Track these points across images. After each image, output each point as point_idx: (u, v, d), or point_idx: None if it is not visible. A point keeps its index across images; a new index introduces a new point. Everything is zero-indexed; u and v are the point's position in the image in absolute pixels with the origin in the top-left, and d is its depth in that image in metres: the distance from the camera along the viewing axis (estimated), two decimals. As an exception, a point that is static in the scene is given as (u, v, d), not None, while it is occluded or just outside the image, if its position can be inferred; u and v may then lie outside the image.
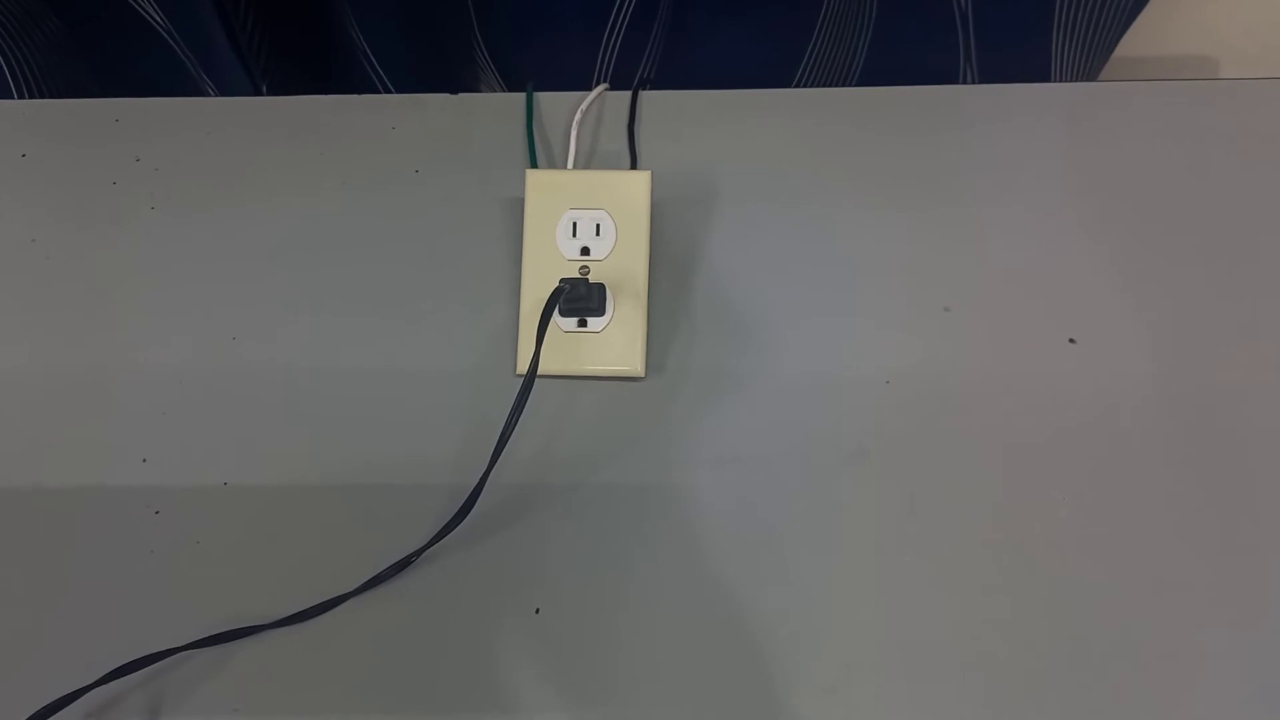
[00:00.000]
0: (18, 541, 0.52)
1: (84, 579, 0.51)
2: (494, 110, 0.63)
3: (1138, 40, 0.68)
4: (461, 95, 0.64)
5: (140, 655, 0.47)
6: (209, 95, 0.70)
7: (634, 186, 0.56)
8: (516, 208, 0.57)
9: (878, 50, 0.70)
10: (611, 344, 0.55)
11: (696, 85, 0.64)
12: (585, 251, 0.56)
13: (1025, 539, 0.51)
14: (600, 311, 0.55)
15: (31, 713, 0.45)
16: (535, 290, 0.55)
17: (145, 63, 0.71)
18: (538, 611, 0.50)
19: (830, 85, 0.73)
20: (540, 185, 0.56)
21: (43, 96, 0.71)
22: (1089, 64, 0.69)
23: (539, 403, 0.52)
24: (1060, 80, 0.70)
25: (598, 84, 0.64)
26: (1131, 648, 0.48)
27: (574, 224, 0.56)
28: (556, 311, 0.54)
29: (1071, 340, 0.55)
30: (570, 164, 0.60)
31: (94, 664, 0.47)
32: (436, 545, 0.50)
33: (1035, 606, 0.50)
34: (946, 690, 0.48)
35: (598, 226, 0.56)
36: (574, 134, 0.61)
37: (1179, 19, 0.71)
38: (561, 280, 0.53)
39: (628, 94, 0.63)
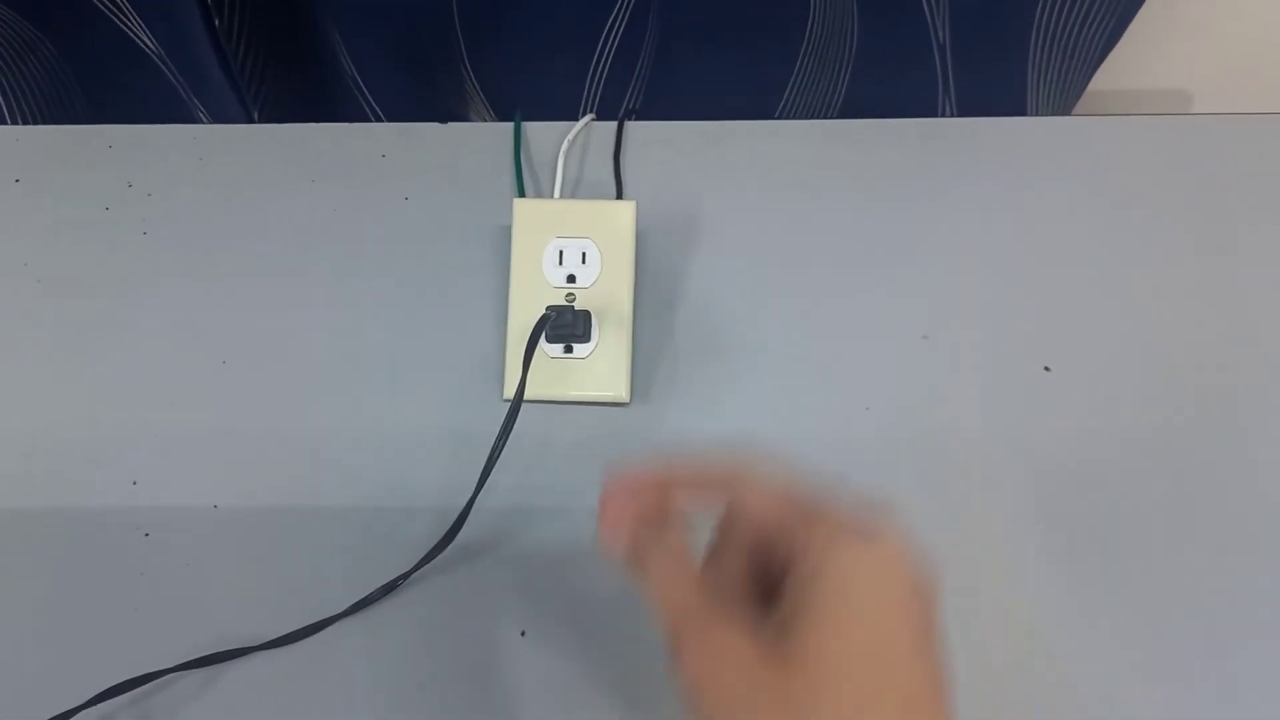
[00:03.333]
0: (8, 564, 0.53)
1: (74, 601, 0.52)
2: (482, 139, 0.64)
3: (1112, 75, 0.70)
4: (451, 124, 0.65)
5: (130, 676, 0.48)
6: (202, 121, 0.71)
7: (619, 215, 0.57)
8: (504, 236, 0.58)
9: (858, 82, 0.71)
10: (597, 370, 0.56)
11: (681, 116, 0.65)
12: (571, 279, 0.57)
13: (1004, 564, 0.52)
14: (586, 338, 0.56)
15: (21, 734, 0.46)
16: (522, 317, 0.56)
17: (139, 89, 0.72)
18: (523, 634, 0.51)
19: (812, 116, 0.74)
20: (527, 214, 0.58)
21: (37, 122, 0.71)
22: (1064, 97, 0.70)
23: (525, 427, 0.53)
24: (1036, 113, 0.71)
25: (584, 114, 0.65)
26: (1112, 673, 0.49)
27: (560, 252, 0.57)
28: (543, 338, 0.55)
29: (1047, 368, 0.57)
30: (557, 193, 0.61)
31: (83, 685, 0.47)
32: (424, 568, 0.51)
33: (1014, 631, 0.50)
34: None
35: (584, 255, 0.57)
36: (561, 163, 0.62)
37: (1153, 55, 0.73)
38: (548, 307, 0.54)
39: (613, 124, 0.65)
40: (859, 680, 0.30)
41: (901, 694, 0.31)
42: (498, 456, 0.50)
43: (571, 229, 0.57)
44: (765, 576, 0.35)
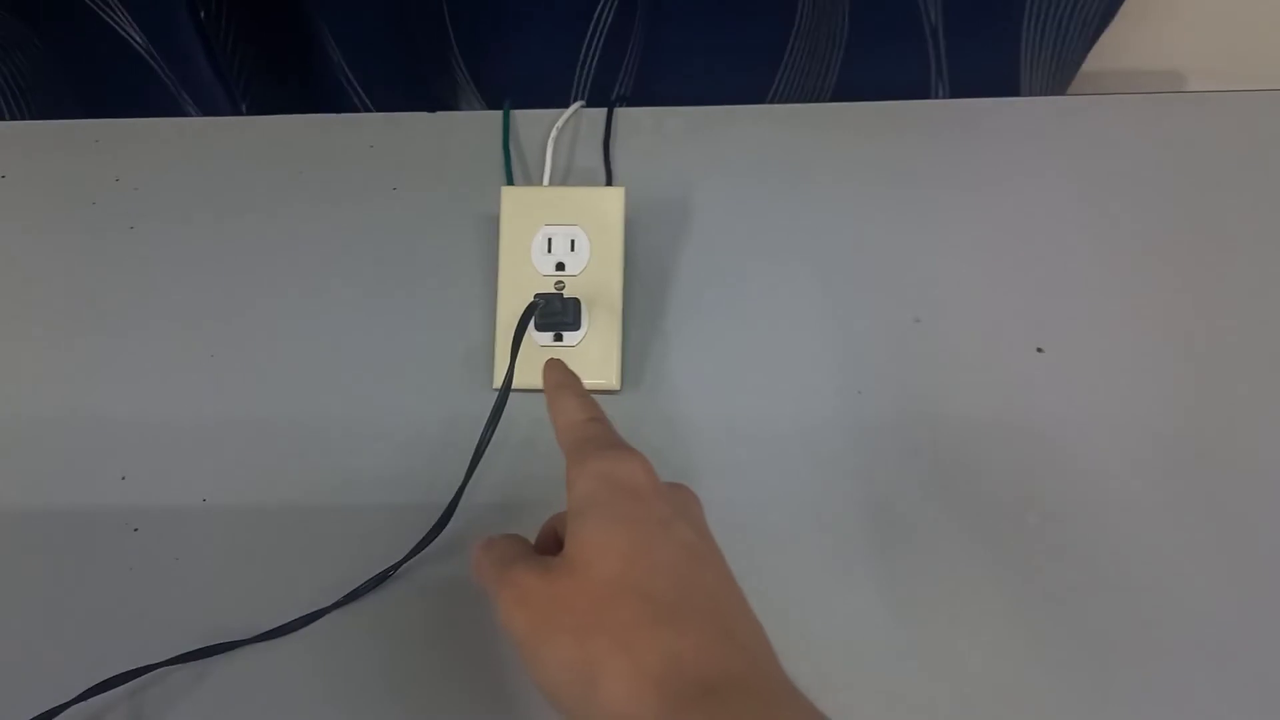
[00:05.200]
0: (-3, 560, 0.53)
1: (63, 596, 0.51)
2: (471, 128, 0.64)
3: (1105, 54, 0.69)
4: (439, 113, 0.65)
5: (119, 671, 0.47)
6: (189, 115, 0.71)
7: (608, 202, 0.57)
8: (492, 224, 0.58)
9: (850, 66, 0.71)
10: (587, 358, 0.55)
11: (671, 102, 0.65)
12: (560, 267, 0.56)
13: (996, 546, 0.52)
14: (575, 326, 0.55)
15: (10, 729, 0.46)
16: (511, 305, 0.55)
17: (126, 83, 0.71)
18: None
19: (804, 100, 0.74)
20: (515, 202, 0.57)
21: (24, 117, 0.71)
22: (1057, 77, 0.70)
23: (515, 416, 0.52)
24: (1029, 94, 0.70)
25: (574, 101, 0.65)
26: (1102, 653, 0.49)
27: (549, 240, 0.56)
28: (532, 326, 0.54)
29: (1039, 350, 0.56)
30: (546, 180, 0.61)
31: (73, 680, 0.47)
32: (414, 559, 0.50)
33: (1006, 612, 0.50)
34: (918, 699, 0.48)
35: (572, 242, 0.56)
36: (550, 151, 0.62)
37: (1146, 33, 0.72)
38: (536, 295, 0.54)
39: (603, 111, 0.64)
40: (602, 562, 0.35)
41: (651, 562, 0.35)
42: (486, 446, 0.50)
43: (560, 216, 0.57)
44: None
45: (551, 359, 0.45)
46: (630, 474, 0.38)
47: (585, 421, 0.41)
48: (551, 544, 0.42)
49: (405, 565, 0.50)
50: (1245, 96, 0.64)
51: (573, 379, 0.44)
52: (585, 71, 0.70)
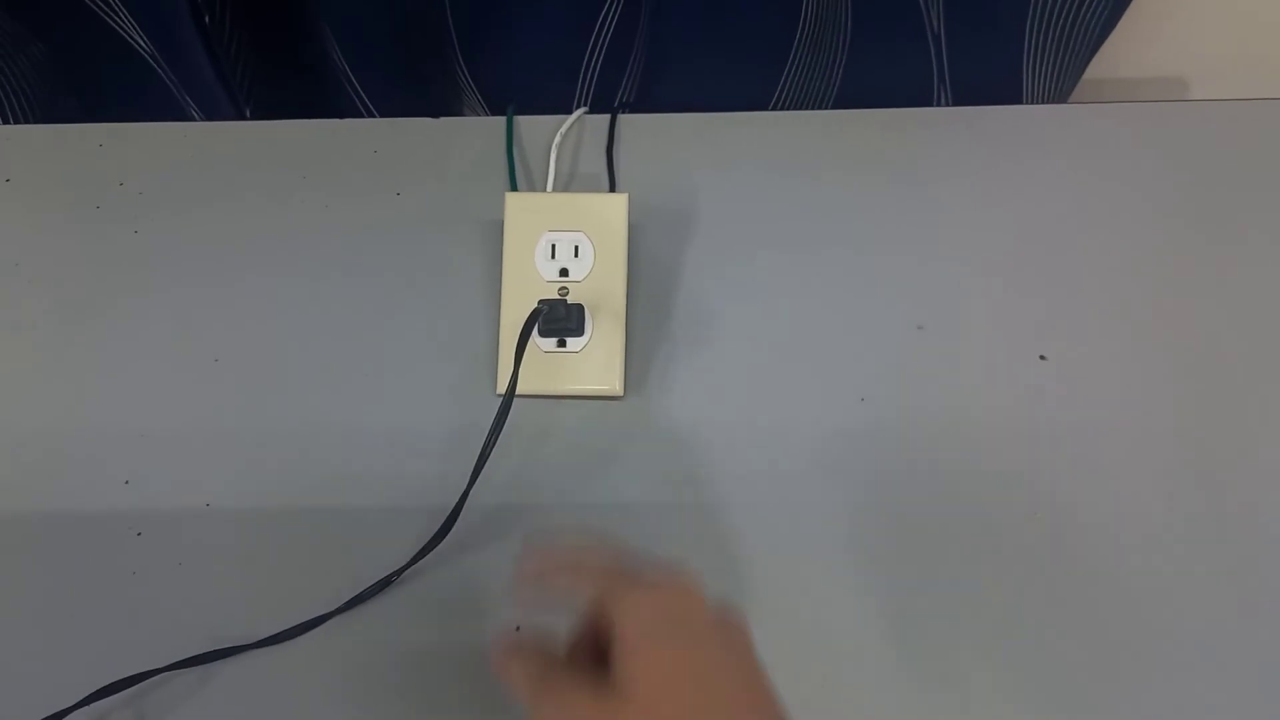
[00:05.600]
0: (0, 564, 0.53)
1: (66, 601, 0.52)
2: (474, 133, 0.64)
3: (1108, 62, 0.69)
4: (442, 119, 0.65)
5: (123, 676, 0.48)
6: (193, 119, 0.71)
7: (612, 209, 0.57)
8: (496, 230, 0.58)
9: (853, 73, 0.71)
10: (590, 363, 0.55)
11: (675, 107, 0.65)
12: (564, 273, 0.56)
13: (998, 549, 0.52)
14: (579, 332, 0.55)
15: (14, 734, 0.46)
16: (514, 311, 0.55)
17: (130, 87, 0.72)
18: (518, 629, 0.50)
19: (807, 107, 0.74)
20: (519, 208, 0.57)
21: (27, 121, 0.71)
22: (1060, 85, 0.70)
23: (518, 422, 0.52)
24: (1032, 101, 0.71)
25: (578, 107, 0.65)
26: (1104, 653, 0.49)
27: (553, 246, 0.56)
28: (536, 332, 0.54)
29: (1042, 357, 0.56)
30: (550, 186, 0.61)
31: (76, 685, 0.47)
32: (417, 564, 0.50)
33: (1010, 615, 0.50)
34: (921, 700, 0.48)
35: (576, 248, 0.56)
36: (553, 157, 0.62)
37: (1149, 41, 0.72)
38: (540, 301, 0.54)
39: (606, 117, 0.64)
40: (658, 699, 0.36)
41: (704, 701, 0.36)
42: (489, 452, 0.50)
43: (564, 222, 0.57)
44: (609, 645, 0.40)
45: (525, 549, 0.44)
46: (683, 607, 0.39)
47: (607, 555, 0.42)
48: (589, 645, 0.42)
49: (409, 570, 0.50)
50: (1248, 105, 0.64)
51: (560, 554, 0.43)
52: (589, 77, 0.71)
